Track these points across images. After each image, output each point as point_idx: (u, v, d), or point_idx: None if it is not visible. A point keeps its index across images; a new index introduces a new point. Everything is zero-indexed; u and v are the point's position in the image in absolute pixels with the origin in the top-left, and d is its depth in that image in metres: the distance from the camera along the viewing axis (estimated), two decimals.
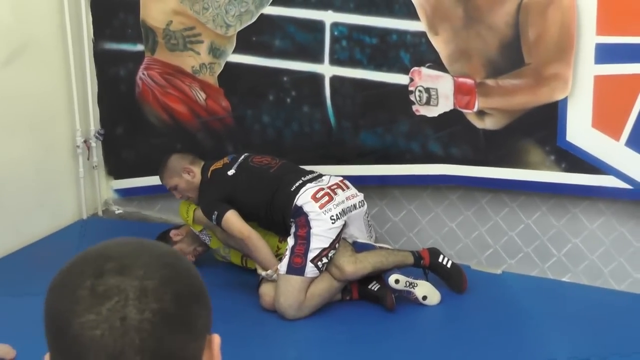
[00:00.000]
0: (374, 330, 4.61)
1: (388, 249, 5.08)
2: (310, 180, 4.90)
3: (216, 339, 1.18)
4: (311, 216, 4.72)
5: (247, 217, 4.88)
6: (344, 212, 4.80)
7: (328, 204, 4.76)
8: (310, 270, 4.67)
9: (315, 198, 4.77)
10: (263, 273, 4.81)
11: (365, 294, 4.87)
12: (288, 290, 4.66)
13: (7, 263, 5.56)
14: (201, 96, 5.87)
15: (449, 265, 4.99)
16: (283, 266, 4.71)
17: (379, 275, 4.86)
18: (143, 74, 6.04)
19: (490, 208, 5.33)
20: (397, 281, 4.76)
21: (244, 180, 5.00)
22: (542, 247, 5.23)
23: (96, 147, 6.34)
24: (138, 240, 1.18)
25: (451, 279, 4.98)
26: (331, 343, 4.51)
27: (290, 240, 4.75)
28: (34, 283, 5.10)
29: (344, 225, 4.81)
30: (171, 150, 5.68)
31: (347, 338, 4.56)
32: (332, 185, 4.90)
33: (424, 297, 4.82)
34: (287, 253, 4.73)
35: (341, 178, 5.02)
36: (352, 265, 4.75)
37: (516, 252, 5.30)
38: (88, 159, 6.31)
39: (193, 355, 1.12)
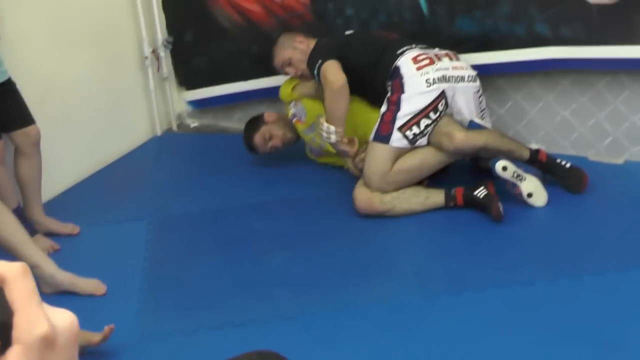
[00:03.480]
0: (493, 237, 4.17)
1: (499, 132, 4.66)
2: (420, 48, 4.59)
3: None
4: (405, 77, 4.41)
5: (350, 76, 4.50)
6: (444, 79, 4.42)
7: (427, 67, 4.43)
8: (397, 139, 4.38)
9: (415, 60, 4.47)
10: (324, 125, 4.51)
11: (471, 201, 4.41)
12: (373, 157, 4.43)
13: (83, 189, 5.21)
14: None
15: (567, 166, 4.55)
16: (372, 132, 4.46)
17: (490, 182, 4.43)
18: None
19: (609, 92, 4.83)
20: (504, 168, 4.36)
21: (358, 40, 4.78)
22: None
23: (165, 56, 5.93)
24: None
25: (569, 179, 4.54)
26: (451, 253, 4.07)
27: (383, 106, 4.46)
28: (113, 210, 4.80)
29: (445, 97, 4.41)
30: (246, 54, 5.26)
31: (466, 247, 4.13)
32: (440, 53, 4.57)
33: (529, 195, 4.39)
34: (378, 120, 4.45)
35: (454, 52, 4.66)
36: (463, 133, 4.38)
37: None
38: (158, 71, 5.93)
39: None
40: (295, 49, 4.89)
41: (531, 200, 4.38)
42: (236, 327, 3.50)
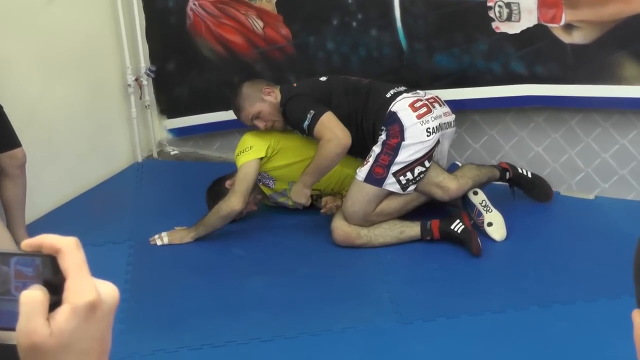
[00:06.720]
0: (468, 267, 4.28)
1: (473, 164, 4.85)
2: (406, 91, 4.60)
3: None
4: (406, 125, 4.40)
5: None
6: (440, 127, 4.49)
7: (426, 115, 4.45)
8: (391, 183, 4.43)
9: (413, 107, 4.47)
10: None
11: (447, 235, 4.47)
12: (359, 197, 4.47)
13: (65, 212, 5.26)
14: (258, 25, 5.48)
15: (530, 175, 4.84)
16: (363, 172, 4.47)
17: (464, 213, 4.57)
18: (194, 4, 5.65)
19: (581, 129, 4.95)
20: (475, 192, 4.62)
21: (339, 85, 4.69)
22: (639, 169, 4.85)
23: (148, 85, 6.00)
24: None
25: (536, 188, 4.84)
26: (426, 281, 4.17)
27: (377, 148, 4.45)
28: (94, 233, 4.83)
29: (438, 144, 4.49)
30: (227, 85, 5.32)
31: (440, 275, 4.22)
32: (430, 98, 4.60)
33: (489, 224, 4.54)
34: (370, 160, 4.45)
35: (436, 95, 4.69)
36: (455, 181, 4.51)
37: (610, 175, 4.94)
38: (140, 98, 6.00)
39: None
40: (264, 101, 4.67)
41: (489, 230, 4.52)
42: (216, 348, 3.57)
